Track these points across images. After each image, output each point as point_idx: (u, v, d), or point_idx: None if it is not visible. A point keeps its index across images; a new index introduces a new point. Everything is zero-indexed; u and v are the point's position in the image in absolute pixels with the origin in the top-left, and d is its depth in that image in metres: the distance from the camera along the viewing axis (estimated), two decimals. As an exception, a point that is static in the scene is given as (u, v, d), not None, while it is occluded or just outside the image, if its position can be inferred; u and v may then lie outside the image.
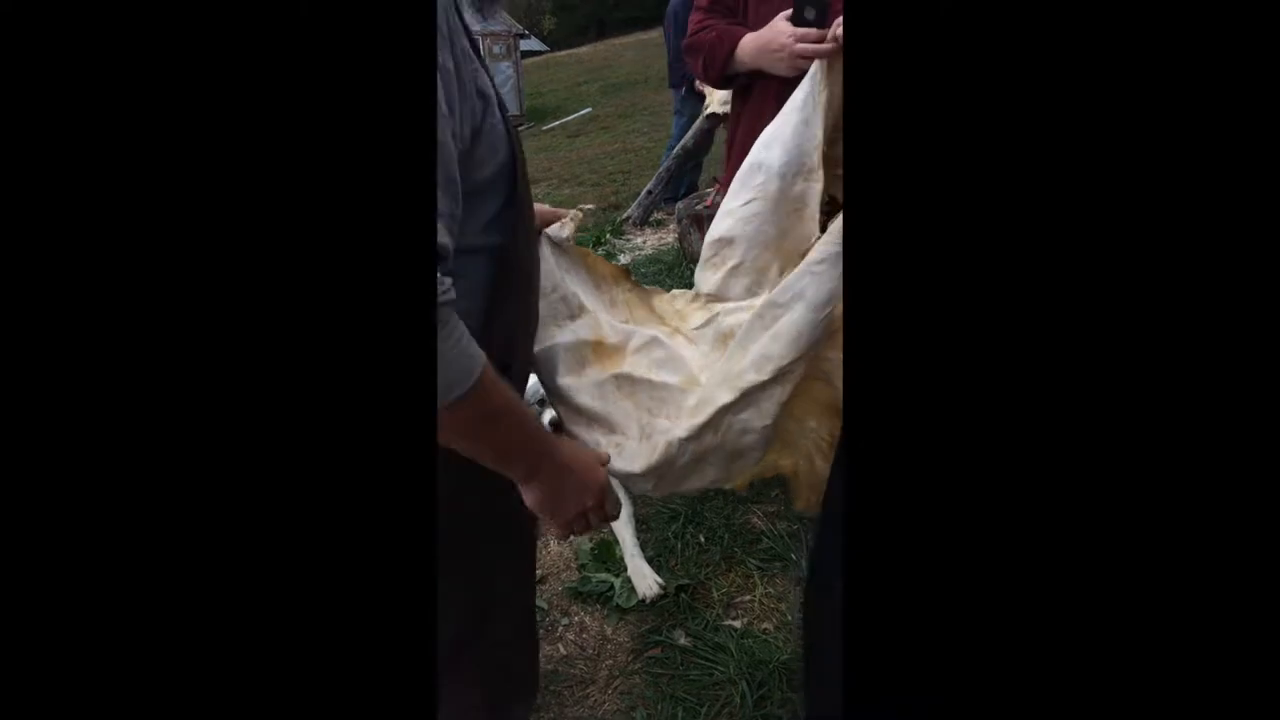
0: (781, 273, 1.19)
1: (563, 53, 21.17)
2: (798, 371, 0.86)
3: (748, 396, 0.85)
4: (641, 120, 8.99)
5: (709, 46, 1.29)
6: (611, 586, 1.57)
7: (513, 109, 12.09)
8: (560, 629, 1.50)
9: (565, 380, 0.93)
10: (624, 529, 1.69)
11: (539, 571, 1.67)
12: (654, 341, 0.95)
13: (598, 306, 0.97)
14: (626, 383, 0.93)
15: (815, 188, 1.18)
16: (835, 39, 1.02)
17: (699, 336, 0.96)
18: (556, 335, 0.94)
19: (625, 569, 1.60)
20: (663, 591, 1.53)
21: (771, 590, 1.54)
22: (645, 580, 1.55)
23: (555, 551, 1.75)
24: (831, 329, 0.85)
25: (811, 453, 0.94)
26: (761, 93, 1.23)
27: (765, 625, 1.46)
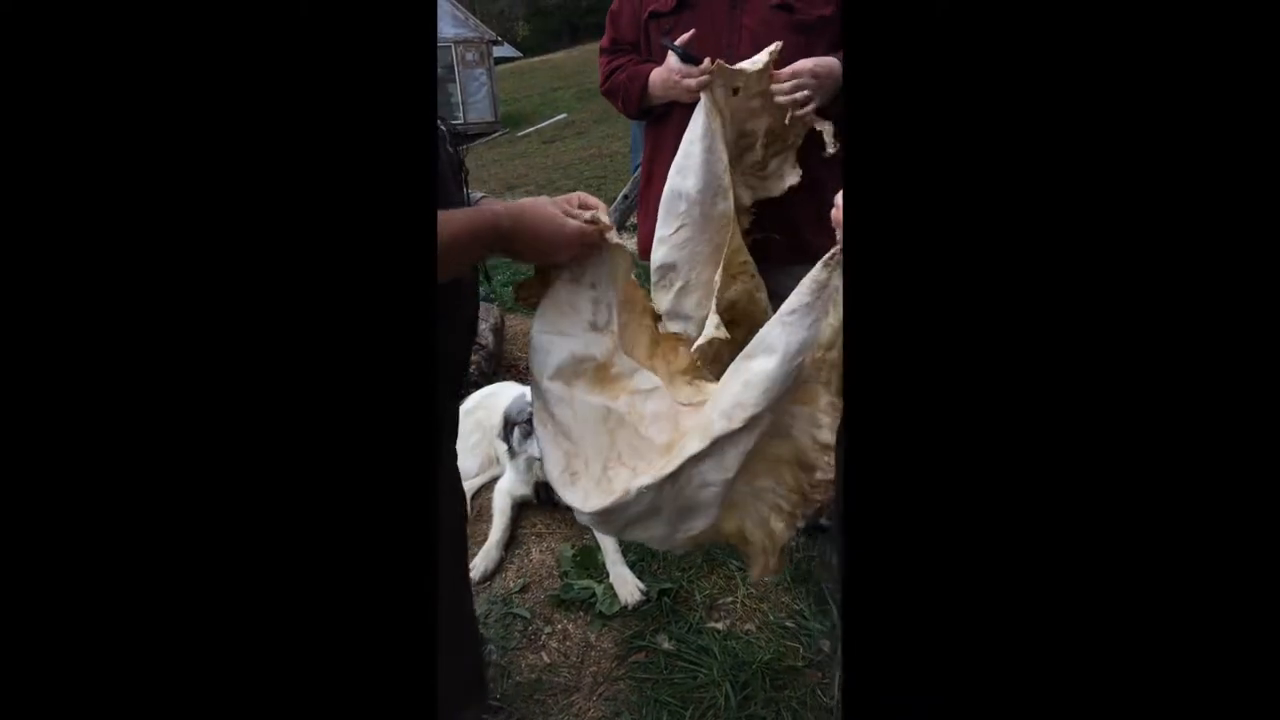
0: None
1: (537, 59, 21.13)
2: (765, 421, 0.84)
3: (716, 445, 0.83)
4: (617, 125, 9.00)
5: (623, 88, 1.42)
6: (594, 593, 1.57)
7: (487, 116, 12.03)
8: (543, 637, 1.50)
9: (552, 384, 0.91)
10: (606, 536, 1.69)
11: (521, 580, 1.66)
12: (657, 392, 0.93)
13: (616, 327, 0.95)
14: (615, 421, 0.91)
15: (732, 204, 1.24)
16: (707, 71, 1.17)
17: (681, 412, 0.95)
18: (569, 334, 0.91)
19: (607, 575, 1.60)
20: (645, 597, 1.54)
21: (753, 591, 1.55)
22: (627, 586, 1.55)
23: (537, 559, 1.75)
24: (800, 379, 0.83)
25: (766, 515, 0.90)
26: (680, 119, 1.32)
27: (748, 626, 1.47)
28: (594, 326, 0.92)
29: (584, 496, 0.87)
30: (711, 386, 0.95)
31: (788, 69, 1.19)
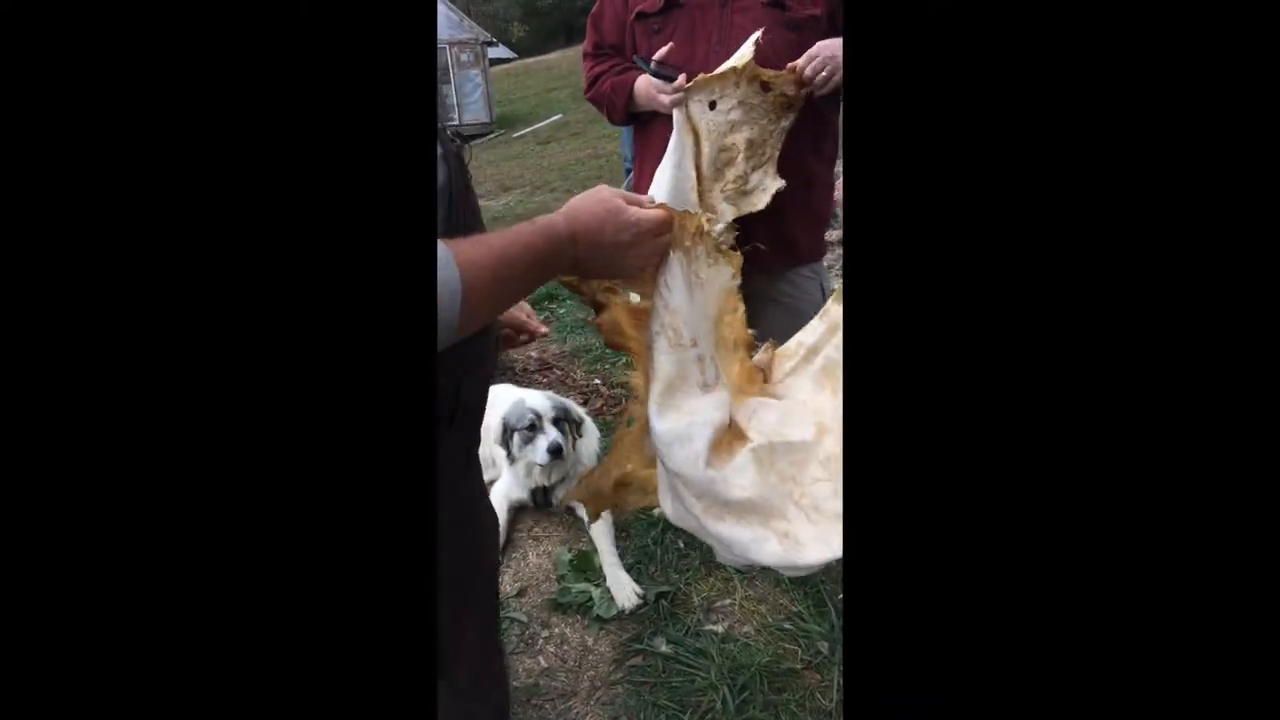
0: None
1: (532, 60, 21.12)
2: None
3: None
4: (613, 126, 8.99)
5: (608, 97, 1.44)
6: (591, 597, 1.56)
7: (482, 117, 12.02)
8: (540, 641, 1.49)
9: (709, 473, 0.79)
10: (603, 538, 1.68)
11: (518, 584, 1.66)
12: (763, 406, 0.85)
13: (722, 374, 0.85)
14: (765, 453, 0.80)
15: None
16: (680, 88, 1.18)
17: (790, 387, 0.87)
18: (695, 410, 0.80)
19: (604, 579, 1.59)
20: (642, 601, 1.53)
21: (751, 593, 1.55)
22: (624, 591, 1.54)
23: (534, 563, 1.74)
24: None
25: None
26: (664, 126, 1.33)
27: (745, 629, 1.46)
28: (705, 387, 0.82)
29: (825, 544, 0.78)
30: (789, 344, 0.89)
31: (809, 51, 1.21)
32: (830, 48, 1.21)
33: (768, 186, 1.26)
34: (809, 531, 0.79)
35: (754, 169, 1.26)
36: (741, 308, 0.87)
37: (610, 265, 0.70)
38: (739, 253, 0.84)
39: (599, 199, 0.69)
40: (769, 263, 1.32)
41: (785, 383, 0.88)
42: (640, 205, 0.71)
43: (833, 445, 0.80)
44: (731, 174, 1.26)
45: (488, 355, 0.79)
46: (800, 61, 1.20)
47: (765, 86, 1.22)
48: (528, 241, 0.62)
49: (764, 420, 0.83)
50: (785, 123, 1.25)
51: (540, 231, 0.64)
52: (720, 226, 0.82)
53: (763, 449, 0.81)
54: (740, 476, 0.80)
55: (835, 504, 0.78)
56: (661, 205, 0.74)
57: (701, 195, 1.24)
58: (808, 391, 0.86)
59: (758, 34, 1.19)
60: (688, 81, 1.20)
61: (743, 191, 1.27)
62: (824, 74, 1.19)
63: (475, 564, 0.86)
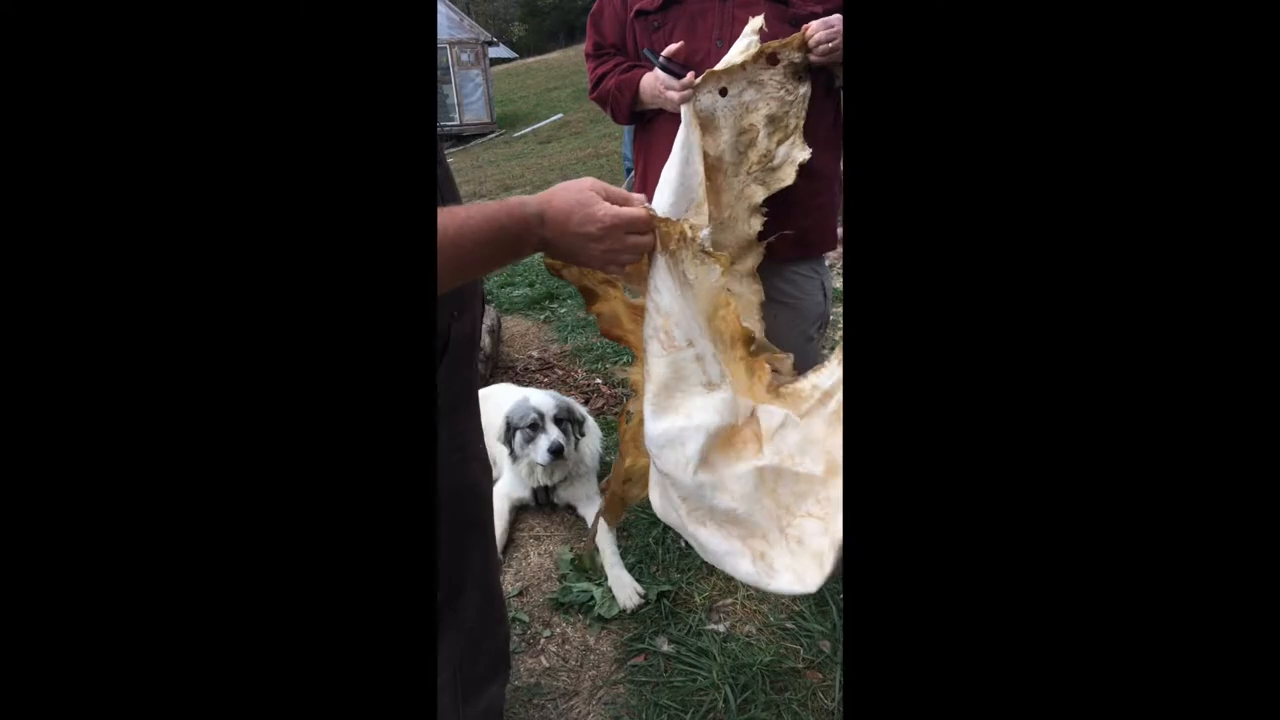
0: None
1: (532, 59, 21.14)
2: None
3: None
4: (613, 125, 8.99)
5: (613, 96, 1.43)
6: (592, 596, 1.56)
7: (483, 117, 12.03)
8: (542, 641, 1.49)
9: (701, 476, 0.78)
10: (604, 538, 1.68)
11: (519, 584, 1.66)
12: (789, 421, 0.83)
13: (727, 372, 0.83)
14: (771, 477, 0.79)
15: (705, 220, 1.20)
16: (689, 84, 1.18)
17: (806, 424, 0.86)
18: (693, 412, 0.79)
19: (606, 578, 1.59)
20: (643, 600, 1.53)
21: (753, 593, 1.55)
22: (625, 590, 1.54)
23: (535, 563, 1.74)
24: None
25: None
26: (667, 124, 1.33)
27: (747, 628, 1.46)
28: (710, 385, 0.81)
29: (797, 577, 0.77)
30: (803, 384, 0.88)
31: (824, 19, 1.21)
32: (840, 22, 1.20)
33: (795, 158, 1.24)
34: (785, 560, 0.78)
35: (779, 143, 1.25)
36: (733, 303, 0.87)
37: (575, 254, 0.72)
38: (726, 254, 0.84)
39: (576, 188, 0.70)
40: (777, 254, 1.31)
41: (808, 417, 0.86)
42: (625, 202, 0.72)
43: (836, 489, 0.78)
44: (754, 154, 1.25)
45: (475, 297, 0.83)
46: (814, 25, 1.19)
47: (772, 60, 1.21)
48: (491, 214, 0.65)
49: (786, 440, 0.82)
50: (804, 89, 1.23)
51: (506, 208, 0.66)
52: (705, 233, 0.81)
53: (770, 470, 0.80)
54: (736, 485, 0.79)
55: (819, 542, 0.78)
56: (644, 207, 0.74)
57: (718, 188, 1.23)
58: (821, 432, 0.85)
59: (759, 22, 1.18)
60: (695, 78, 1.19)
61: (769, 169, 1.26)
62: (828, 45, 1.18)
63: (475, 489, 0.86)
